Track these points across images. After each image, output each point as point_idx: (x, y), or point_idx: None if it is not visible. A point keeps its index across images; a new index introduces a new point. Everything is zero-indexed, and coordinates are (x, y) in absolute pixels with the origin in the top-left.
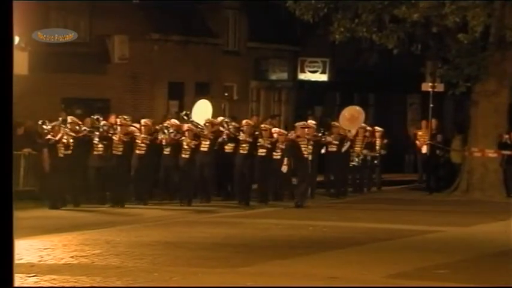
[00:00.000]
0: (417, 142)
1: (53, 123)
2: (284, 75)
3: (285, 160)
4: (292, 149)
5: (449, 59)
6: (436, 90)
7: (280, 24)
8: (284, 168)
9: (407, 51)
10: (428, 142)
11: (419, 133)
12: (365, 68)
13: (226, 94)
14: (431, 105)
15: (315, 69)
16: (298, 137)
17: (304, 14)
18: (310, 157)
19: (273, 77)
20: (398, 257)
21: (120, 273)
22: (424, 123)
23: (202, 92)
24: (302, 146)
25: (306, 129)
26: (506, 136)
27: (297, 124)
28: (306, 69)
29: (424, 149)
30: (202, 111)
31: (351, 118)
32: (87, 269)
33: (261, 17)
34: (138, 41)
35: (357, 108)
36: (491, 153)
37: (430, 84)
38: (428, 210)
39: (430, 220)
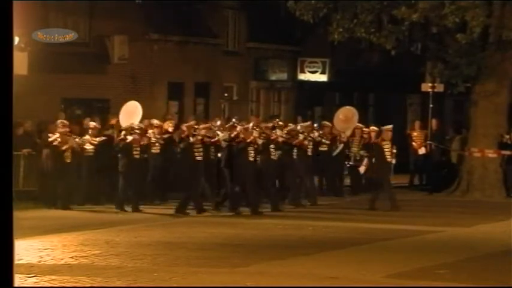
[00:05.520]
0: (413, 143)
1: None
2: (284, 76)
3: (365, 161)
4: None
5: (448, 59)
6: (435, 90)
7: (280, 25)
8: (362, 169)
9: (407, 52)
10: (429, 142)
11: (415, 134)
12: (365, 68)
13: (226, 94)
14: (431, 105)
15: (314, 69)
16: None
17: (304, 14)
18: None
19: (273, 77)
20: (398, 257)
21: (120, 273)
22: (418, 124)
23: (201, 92)
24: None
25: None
26: (507, 136)
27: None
28: (306, 69)
29: (422, 150)
30: (130, 113)
31: (345, 119)
32: (87, 269)
33: (261, 17)
34: (137, 41)
35: (351, 108)
36: (491, 154)
37: (430, 84)
38: (428, 211)
39: (430, 220)
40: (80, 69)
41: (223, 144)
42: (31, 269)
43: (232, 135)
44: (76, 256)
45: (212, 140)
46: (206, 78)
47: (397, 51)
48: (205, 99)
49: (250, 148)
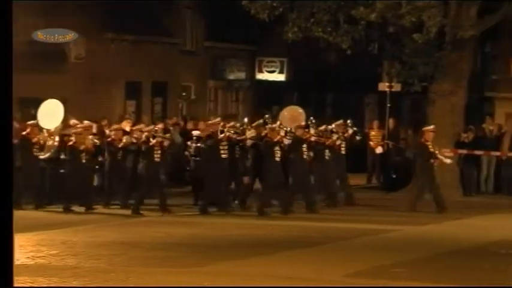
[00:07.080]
0: (371, 143)
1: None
2: (242, 75)
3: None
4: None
5: (405, 58)
6: (393, 90)
7: (238, 24)
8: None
9: (365, 51)
10: (386, 141)
11: (372, 133)
12: (322, 68)
13: (183, 94)
14: (388, 104)
15: (272, 69)
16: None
17: (260, 13)
18: None
19: (231, 76)
20: (356, 256)
21: (77, 273)
22: (376, 123)
23: (159, 91)
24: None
25: None
26: (465, 135)
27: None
28: (264, 69)
29: (379, 149)
30: (50, 112)
31: (291, 118)
32: (44, 269)
33: (218, 16)
34: (94, 40)
35: (296, 108)
36: (447, 153)
37: (387, 84)
38: (385, 210)
39: (386, 219)
40: (36, 69)
41: (249, 142)
42: None
43: (262, 134)
44: (33, 256)
45: (239, 138)
46: (164, 78)
47: (353, 51)
48: (163, 99)
49: (277, 148)
